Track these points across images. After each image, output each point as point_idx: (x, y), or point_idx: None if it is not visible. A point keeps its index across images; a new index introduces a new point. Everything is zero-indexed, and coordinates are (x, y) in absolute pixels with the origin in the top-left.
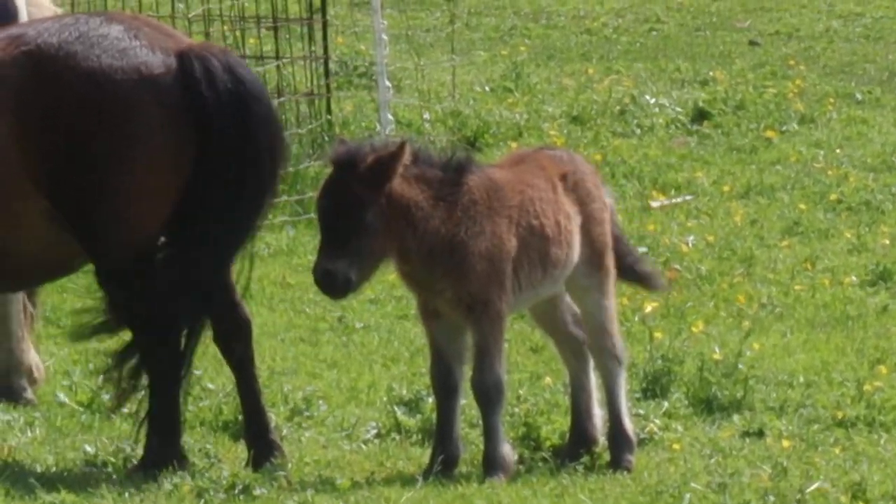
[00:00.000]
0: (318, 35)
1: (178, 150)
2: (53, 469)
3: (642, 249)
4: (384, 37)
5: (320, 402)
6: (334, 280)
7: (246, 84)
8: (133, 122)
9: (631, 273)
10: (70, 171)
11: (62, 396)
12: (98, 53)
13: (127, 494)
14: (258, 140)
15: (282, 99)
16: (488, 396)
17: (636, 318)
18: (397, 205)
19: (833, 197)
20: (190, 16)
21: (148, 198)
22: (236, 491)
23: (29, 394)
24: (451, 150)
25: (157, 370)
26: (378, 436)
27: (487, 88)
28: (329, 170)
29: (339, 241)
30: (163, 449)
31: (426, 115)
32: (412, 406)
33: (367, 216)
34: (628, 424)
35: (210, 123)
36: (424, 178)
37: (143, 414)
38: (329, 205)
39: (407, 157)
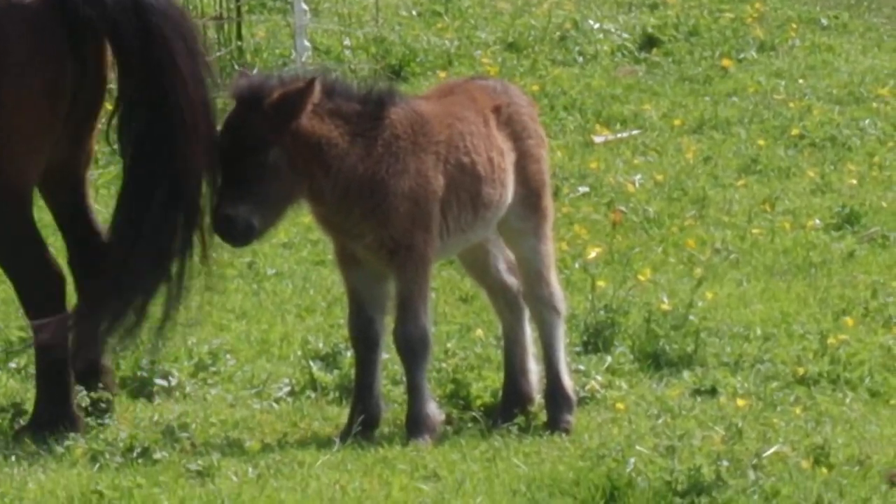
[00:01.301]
0: None
1: (56, 83)
2: None
3: (584, 189)
4: None
5: (228, 356)
6: (234, 226)
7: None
8: (9, 51)
9: None
10: None
11: None
12: None
13: (14, 458)
14: (155, 52)
15: None
16: (412, 350)
17: (577, 265)
18: (306, 143)
19: (795, 132)
20: None
21: (23, 138)
22: (134, 454)
23: None
24: (372, 81)
25: (41, 319)
26: (291, 393)
27: (414, 12)
28: (231, 104)
29: (241, 184)
30: (53, 407)
31: (347, 42)
32: (329, 361)
33: (270, 157)
34: (567, 381)
35: (111, 34)
36: (339, 113)
37: (31, 369)
38: (229, 144)
39: (317, 95)
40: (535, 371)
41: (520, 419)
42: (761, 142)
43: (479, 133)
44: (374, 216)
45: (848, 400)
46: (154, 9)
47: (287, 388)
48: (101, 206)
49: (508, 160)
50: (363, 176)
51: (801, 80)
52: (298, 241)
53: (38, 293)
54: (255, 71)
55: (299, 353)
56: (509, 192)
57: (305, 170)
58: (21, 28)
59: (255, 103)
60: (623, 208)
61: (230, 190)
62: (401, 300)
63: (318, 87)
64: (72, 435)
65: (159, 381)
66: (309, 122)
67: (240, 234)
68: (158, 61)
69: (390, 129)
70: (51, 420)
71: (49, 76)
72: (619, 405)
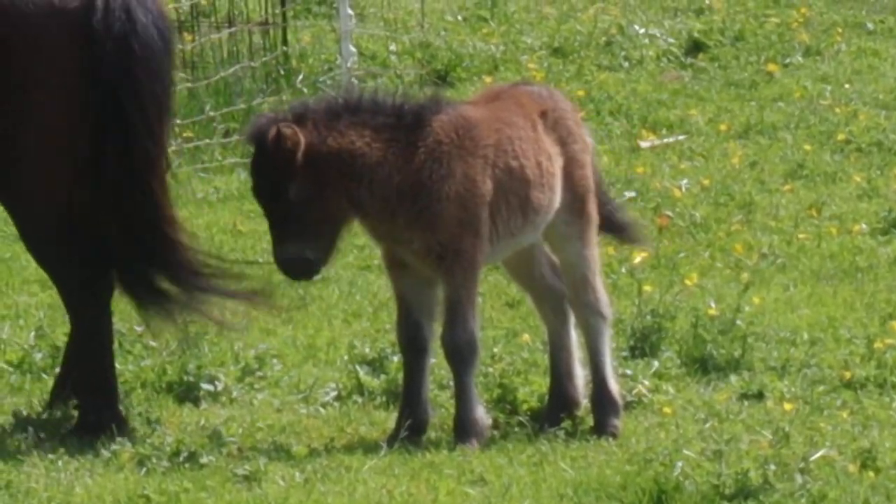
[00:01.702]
0: None
1: (88, 88)
2: None
3: (630, 194)
4: None
5: (274, 360)
6: (291, 268)
7: (136, 24)
8: (48, 63)
9: (608, 224)
10: None
11: None
12: None
13: (61, 462)
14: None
15: (233, 29)
16: (460, 355)
17: (623, 270)
18: (326, 162)
19: (841, 137)
20: None
21: (60, 139)
22: (181, 458)
23: None
24: (410, 92)
25: (87, 327)
26: (338, 398)
27: (460, 17)
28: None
29: (281, 225)
30: (100, 412)
31: (392, 47)
32: (376, 366)
33: (292, 193)
34: (614, 386)
35: (93, 64)
36: (363, 125)
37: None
38: (257, 190)
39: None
40: (581, 376)
41: (566, 424)
42: (807, 147)
43: (528, 137)
44: (419, 222)
45: (894, 404)
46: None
47: (334, 393)
48: None
49: (556, 165)
50: (402, 183)
51: (847, 85)
52: (345, 246)
53: (84, 299)
54: (298, 81)
55: (346, 357)
56: (558, 197)
57: (336, 188)
58: (60, 33)
59: (260, 146)
60: (669, 213)
61: (276, 235)
62: (449, 305)
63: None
64: (119, 439)
65: (206, 386)
66: (326, 143)
67: (301, 273)
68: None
69: (433, 135)
70: (98, 424)
71: (87, 84)
72: (667, 409)
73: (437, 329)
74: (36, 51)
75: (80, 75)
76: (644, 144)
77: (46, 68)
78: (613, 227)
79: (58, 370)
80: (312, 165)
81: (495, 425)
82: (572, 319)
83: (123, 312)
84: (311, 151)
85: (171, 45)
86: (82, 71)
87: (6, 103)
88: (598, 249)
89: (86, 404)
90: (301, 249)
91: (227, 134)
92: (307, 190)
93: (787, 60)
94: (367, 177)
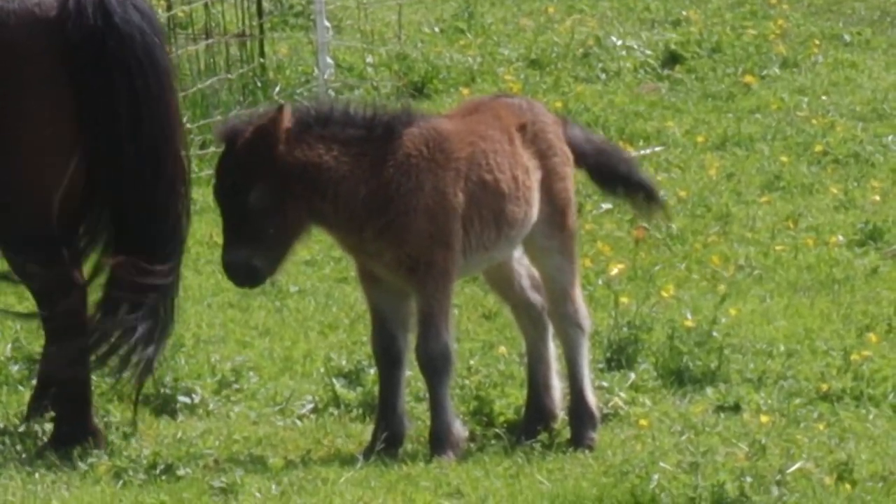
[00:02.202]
0: None
1: (70, 96)
2: None
3: (607, 206)
4: None
5: (251, 373)
6: (237, 271)
7: (113, 19)
8: (31, 70)
9: (628, 185)
10: None
11: None
12: None
13: (38, 475)
14: (114, 88)
15: (210, 41)
16: (434, 367)
17: (600, 282)
18: (292, 173)
19: (818, 148)
20: None
21: (45, 151)
22: (158, 471)
23: None
24: (382, 104)
25: (63, 336)
26: (314, 410)
27: (437, 29)
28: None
29: (236, 228)
30: (76, 424)
31: (369, 59)
32: (352, 378)
33: (253, 197)
34: (591, 398)
35: (76, 66)
36: (333, 138)
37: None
38: (216, 191)
39: (286, 122)
40: (558, 388)
41: (543, 436)
42: (784, 158)
43: (503, 151)
44: (387, 235)
45: (871, 416)
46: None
47: (310, 406)
48: None
49: (534, 178)
50: (369, 196)
51: (824, 97)
52: (321, 258)
53: (59, 308)
54: (275, 92)
55: (322, 370)
56: (535, 210)
57: (299, 199)
58: (43, 42)
59: (230, 146)
60: (646, 225)
61: (228, 236)
62: (422, 317)
63: (286, 115)
64: (95, 452)
65: (182, 399)
66: (292, 152)
67: (245, 278)
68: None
69: (402, 148)
70: (73, 436)
71: (71, 89)
72: (643, 422)
73: (412, 341)
74: (16, 60)
75: (62, 83)
76: None
77: (27, 78)
78: (631, 187)
79: (34, 382)
80: (281, 171)
81: (472, 437)
82: (551, 331)
83: None
84: (279, 160)
85: (157, 36)
86: (64, 79)
87: None
88: (577, 262)
89: (61, 416)
90: (250, 256)
91: (203, 146)
92: (268, 197)
93: (765, 72)
94: (331, 191)
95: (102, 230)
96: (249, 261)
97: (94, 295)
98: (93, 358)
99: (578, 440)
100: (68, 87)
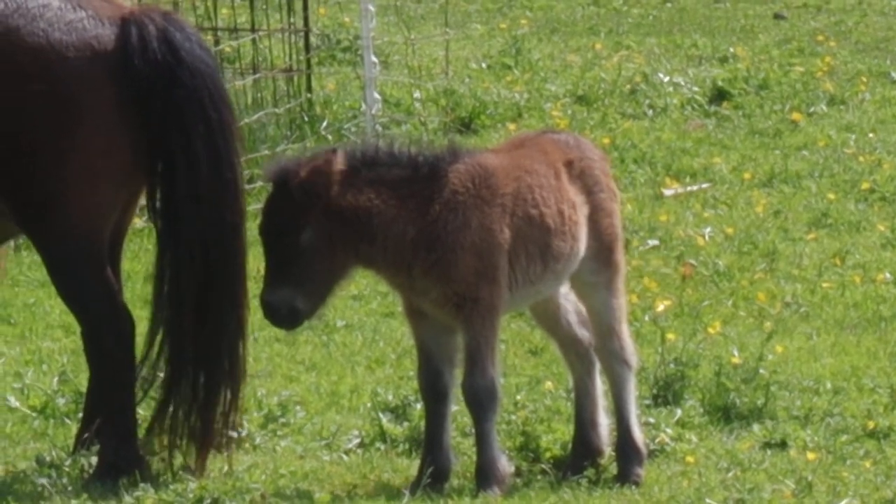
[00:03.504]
0: (298, 5)
1: (127, 129)
2: (3, 480)
3: (654, 242)
4: (371, 7)
5: (297, 407)
6: (276, 312)
7: (180, 53)
8: (89, 104)
9: None
10: (14, 158)
11: (13, 400)
12: (43, 27)
13: None
14: (190, 117)
15: (258, 75)
16: (480, 402)
17: (647, 318)
18: (343, 218)
19: (865, 186)
20: None
21: (98, 182)
22: None
23: None
24: (428, 142)
25: (109, 366)
26: (361, 445)
27: (484, 65)
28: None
29: (280, 267)
30: (121, 456)
31: (416, 94)
32: (399, 413)
33: (304, 238)
34: (637, 434)
35: (143, 100)
36: (381, 181)
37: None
38: (264, 229)
39: (340, 165)
40: (605, 424)
41: (589, 472)
42: (831, 195)
43: (549, 186)
44: (435, 272)
45: None
46: (194, 75)
47: (357, 440)
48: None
49: (581, 213)
50: (417, 237)
51: (871, 134)
52: (368, 293)
53: (108, 340)
54: (323, 127)
55: (369, 405)
56: (582, 245)
57: (348, 245)
58: (101, 75)
59: (283, 185)
60: (693, 261)
61: (271, 275)
62: (469, 353)
63: (339, 159)
64: (141, 485)
65: (231, 432)
66: (346, 198)
67: (284, 319)
68: (175, 127)
69: (449, 185)
70: (119, 468)
71: (128, 125)
72: (689, 458)
73: (458, 376)
74: (77, 93)
75: (121, 115)
76: (668, 192)
77: (87, 110)
78: None
79: (81, 415)
80: (329, 217)
81: (518, 473)
82: (598, 367)
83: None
84: (331, 204)
85: (217, 66)
86: (124, 110)
87: (47, 145)
88: (624, 298)
89: (107, 447)
90: (293, 297)
91: (251, 180)
92: (320, 238)
93: (812, 109)
94: (381, 235)
95: (165, 264)
96: (292, 302)
97: (142, 325)
98: (140, 391)
99: (625, 476)
100: (127, 119)
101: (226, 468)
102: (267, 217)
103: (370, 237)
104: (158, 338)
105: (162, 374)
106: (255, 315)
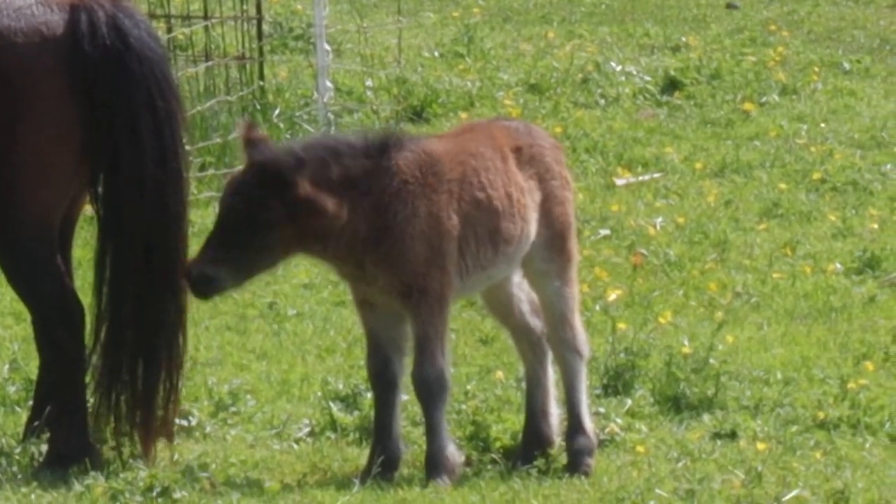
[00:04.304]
0: None
1: (77, 115)
2: None
3: (605, 232)
4: None
5: (248, 396)
6: (208, 287)
7: (128, 39)
8: (37, 90)
9: None
10: None
11: None
12: None
13: (34, 496)
14: (137, 105)
15: (210, 63)
16: (430, 391)
17: (598, 308)
18: (310, 219)
19: (816, 176)
20: None
21: (50, 169)
22: (154, 493)
23: None
24: (368, 133)
25: (59, 354)
26: (311, 434)
27: (437, 53)
28: (246, 168)
29: (231, 248)
30: (71, 445)
31: (369, 83)
32: (349, 402)
33: (269, 236)
34: (588, 424)
35: (91, 86)
36: (348, 179)
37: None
38: (234, 209)
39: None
40: (555, 414)
41: (540, 461)
42: (783, 186)
43: (496, 168)
44: (384, 262)
45: (868, 445)
46: (142, 61)
47: (307, 429)
48: None
49: (530, 198)
50: (369, 230)
51: (822, 125)
52: (319, 281)
53: (59, 328)
54: (275, 115)
55: (319, 393)
56: (532, 228)
57: (303, 241)
58: (50, 61)
59: (278, 184)
60: (644, 251)
61: (216, 250)
62: (417, 341)
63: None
64: (91, 473)
65: (179, 421)
66: (315, 198)
67: (206, 292)
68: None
69: (398, 175)
70: (70, 457)
71: (78, 111)
72: (639, 448)
73: (407, 365)
74: (25, 79)
75: (72, 101)
76: (619, 182)
77: (36, 96)
78: None
79: (31, 403)
80: (299, 219)
81: (468, 462)
82: (550, 357)
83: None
84: (296, 195)
85: (165, 55)
86: (74, 96)
87: None
88: (577, 287)
89: (57, 435)
90: (228, 278)
91: (202, 168)
92: (281, 236)
93: (764, 99)
94: (334, 238)
95: (106, 253)
96: (225, 283)
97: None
98: (88, 379)
99: (575, 466)
100: (77, 105)
101: (176, 456)
102: (242, 199)
103: (324, 240)
104: (101, 326)
105: (106, 361)
106: (205, 303)
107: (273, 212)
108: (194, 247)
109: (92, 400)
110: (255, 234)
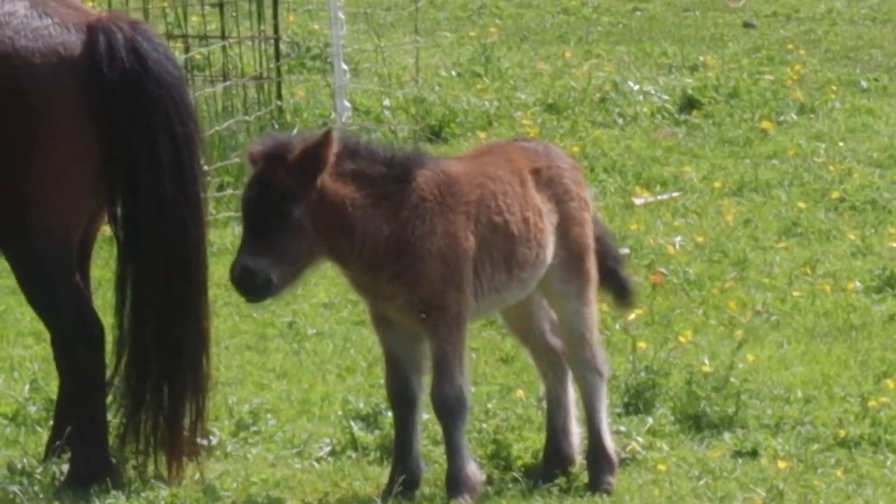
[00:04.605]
0: (268, 13)
1: (95, 135)
2: None
3: (624, 251)
4: (341, 15)
5: (268, 415)
6: (254, 279)
7: (147, 62)
8: (55, 109)
9: (609, 277)
10: None
11: None
12: (9, 35)
13: None
14: (155, 128)
15: (228, 83)
16: (449, 410)
17: (617, 326)
18: (331, 203)
19: (835, 195)
20: None
21: (67, 188)
22: None
23: None
24: (398, 144)
25: (80, 374)
26: (332, 453)
27: (454, 73)
28: (251, 166)
29: (264, 237)
30: (92, 464)
31: (386, 102)
32: (370, 421)
33: (295, 212)
34: (609, 443)
35: (109, 108)
36: (364, 175)
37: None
38: (255, 199)
39: (335, 146)
40: (576, 433)
41: (561, 480)
42: (801, 204)
43: (513, 193)
44: (402, 278)
45: (889, 462)
46: (160, 84)
47: (328, 448)
48: None
49: (548, 221)
50: (390, 238)
51: (841, 143)
52: (339, 301)
53: (79, 348)
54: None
55: (340, 413)
56: (548, 253)
57: (328, 230)
58: (67, 81)
59: (280, 159)
60: (663, 270)
61: (252, 243)
62: (436, 361)
63: (335, 138)
64: (112, 492)
65: (201, 441)
66: (333, 184)
67: (258, 288)
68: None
69: (417, 191)
70: (91, 476)
71: (97, 128)
72: (661, 467)
73: (427, 383)
74: (42, 98)
75: (89, 121)
76: (638, 201)
77: (53, 115)
78: (613, 282)
79: (52, 423)
80: (321, 198)
81: (489, 481)
82: (570, 376)
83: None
84: (326, 186)
85: (183, 78)
86: (92, 116)
87: (14, 150)
88: (595, 307)
89: (78, 455)
90: (270, 268)
91: (221, 188)
92: (307, 217)
93: (782, 118)
94: (359, 228)
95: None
96: (269, 273)
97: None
98: (111, 399)
99: (596, 485)
100: (94, 125)
101: (197, 476)
102: (258, 188)
103: (350, 228)
104: (124, 349)
105: (129, 384)
106: (225, 323)
107: (288, 184)
108: (213, 267)
109: (115, 420)
110: (280, 215)
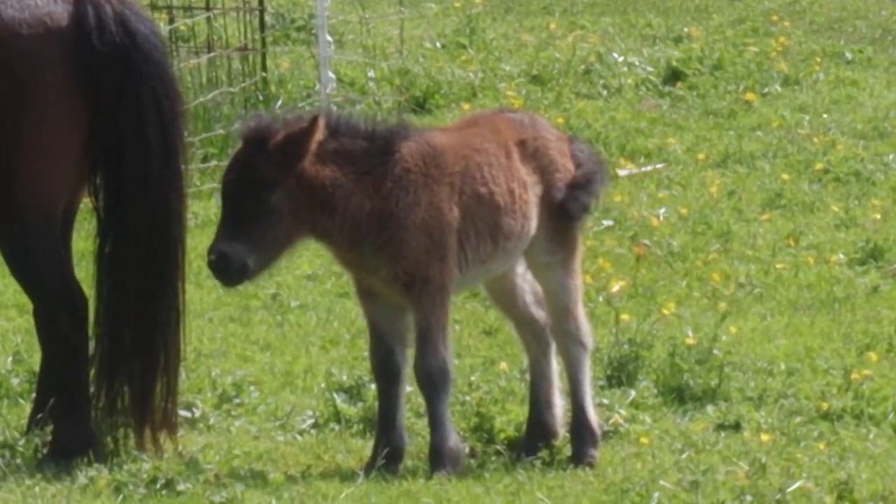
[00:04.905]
0: None
1: (82, 107)
2: None
3: (608, 223)
4: None
5: (251, 388)
6: (229, 264)
7: (136, 37)
8: (42, 80)
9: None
10: None
11: None
12: None
13: (38, 488)
14: (142, 103)
15: (212, 54)
16: (432, 382)
17: (601, 299)
18: (310, 187)
19: (819, 166)
20: None
21: (52, 159)
22: (158, 486)
23: None
24: (381, 117)
25: (62, 346)
26: (315, 426)
27: (438, 44)
28: (237, 144)
29: (240, 223)
30: (75, 436)
31: (371, 74)
32: (353, 393)
33: (273, 199)
34: (592, 416)
35: (97, 81)
36: (344, 152)
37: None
38: (233, 183)
39: (320, 134)
40: (560, 405)
41: (544, 453)
42: (785, 176)
43: (499, 164)
44: (386, 250)
45: (871, 435)
46: (148, 60)
47: (311, 421)
48: None
49: (533, 192)
50: (372, 212)
51: (825, 115)
52: (322, 272)
53: (62, 319)
54: (277, 106)
55: (323, 385)
56: (533, 224)
57: (309, 215)
58: (54, 52)
59: (261, 144)
60: (647, 242)
61: (229, 228)
62: (419, 333)
63: (321, 126)
64: (95, 465)
65: (183, 413)
66: (313, 167)
67: (234, 273)
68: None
69: (401, 163)
70: (73, 449)
71: (84, 100)
72: (643, 439)
73: (411, 356)
74: (29, 69)
75: (77, 93)
76: (622, 173)
77: (40, 87)
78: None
79: (34, 395)
80: (300, 183)
81: (472, 454)
82: (554, 348)
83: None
84: (305, 170)
85: (168, 53)
86: (79, 88)
87: (2, 119)
88: (580, 279)
89: (60, 427)
90: (246, 253)
91: (205, 159)
92: (286, 202)
93: (766, 90)
94: (340, 208)
95: (106, 246)
96: (245, 258)
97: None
98: (92, 371)
99: (579, 457)
100: (81, 97)
101: (179, 448)
102: (236, 173)
103: (331, 209)
104: (100, 321)
105: (104, 357)
106: (209, 295)
107: (266, 171)
108: (198, 239)
109: (94, 391)
110: (258, 201)
